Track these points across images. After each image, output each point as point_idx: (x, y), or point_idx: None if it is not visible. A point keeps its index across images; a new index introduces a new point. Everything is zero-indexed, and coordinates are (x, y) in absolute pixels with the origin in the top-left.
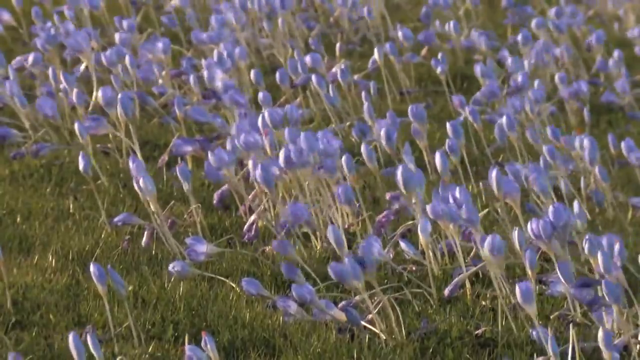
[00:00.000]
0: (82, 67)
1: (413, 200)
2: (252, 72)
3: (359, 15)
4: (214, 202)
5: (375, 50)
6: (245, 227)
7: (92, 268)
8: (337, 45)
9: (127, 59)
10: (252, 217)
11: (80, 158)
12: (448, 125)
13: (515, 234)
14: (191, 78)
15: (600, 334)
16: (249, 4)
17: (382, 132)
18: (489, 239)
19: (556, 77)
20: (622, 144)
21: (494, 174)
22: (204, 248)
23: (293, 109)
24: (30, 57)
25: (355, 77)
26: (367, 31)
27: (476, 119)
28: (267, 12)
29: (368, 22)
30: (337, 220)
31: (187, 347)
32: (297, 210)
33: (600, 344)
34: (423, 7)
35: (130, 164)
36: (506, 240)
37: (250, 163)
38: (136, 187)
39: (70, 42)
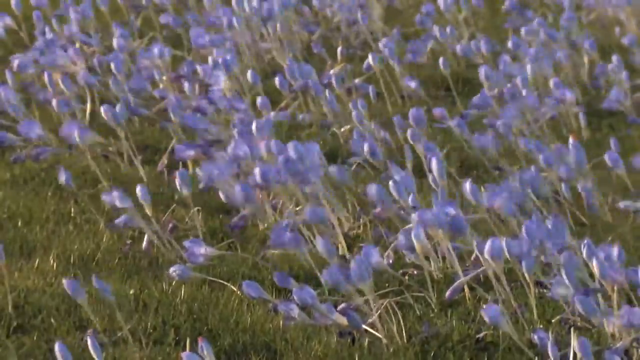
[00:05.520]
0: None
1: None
2: (249, 73)
3: (357, 27)
4: (231, 226)
5: (370, 56)
6: (237, 217)
7: (65, 283)
8: (339, 49)
9: (112, 66)
10: (246, 210)
11: (61, 172)
12: (452, 124)
13: (504, 242)
14: (186, 85)
15: (574, 342)
16: (247, 7)
17: (366, 148)
18: (489, 242)
19: (551, 83)
20: (606, 156)
21: (467, 186)
22: (202, 250)
23: (282, 117)
24: (15, 62)
25: (357, 80)
26: (367, 35)
27: (463, 129)
28: (266, 16)
29: (362, 27)
30: (336, 224)
31: (185, 354)
32: (280, 236)
33: (578, 352)
34: (418, 14)
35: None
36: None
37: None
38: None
39: (44, 60)
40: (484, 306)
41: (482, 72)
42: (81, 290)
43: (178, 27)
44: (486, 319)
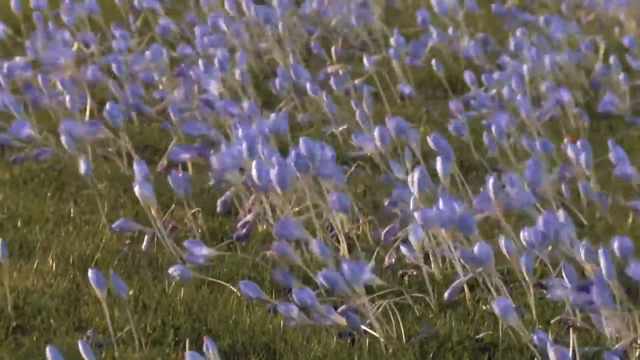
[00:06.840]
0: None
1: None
2: (237, 72)
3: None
4: (218, 209)
5: (364, 58)
6: (239, 224)
7: (90, 273)
8: (333, 49)
9: (114, 67)
10: (248, 217)
11: (81, 162)
12: (450, 127)
13: (502, 242)
14: (185, 85)
15: (572, 337)
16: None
17: (376, 135)
18: (476, 248)
19: (543, 86)
20: (611, 154)
21: (490, 183)
22: (202, 251)
23: (281, 121)
24: (5, 65)
25: (356, 81)
26: (367, 36)
27: (462, 129)
28: (264, 17)
29: (361, 28)
30: (337, 224)
31: (187, 352)
32: (285, 228)
33: (579, 349)
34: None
35: (135, 166)
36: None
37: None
38: (136, 193)
39: (45, 57)
40: (489, 302)
41: (467, 76)
42: (104, 282)
43: (169, 35)
44: (496, 311)
